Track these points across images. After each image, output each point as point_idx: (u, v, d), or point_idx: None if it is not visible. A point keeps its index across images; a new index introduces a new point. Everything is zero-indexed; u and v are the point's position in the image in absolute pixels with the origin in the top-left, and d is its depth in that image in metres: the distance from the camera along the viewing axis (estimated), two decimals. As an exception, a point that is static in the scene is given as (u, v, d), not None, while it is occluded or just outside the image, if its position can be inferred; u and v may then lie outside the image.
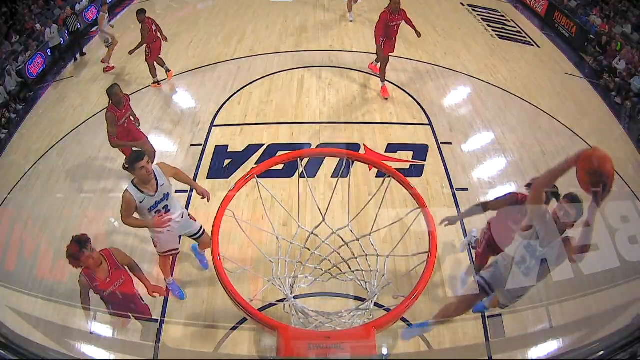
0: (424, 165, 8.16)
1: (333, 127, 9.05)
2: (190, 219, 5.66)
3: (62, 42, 12.91)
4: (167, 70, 10.86)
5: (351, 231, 5.02)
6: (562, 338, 6.08)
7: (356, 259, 4.94)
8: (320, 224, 5.06)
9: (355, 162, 5.72)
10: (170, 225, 5.23)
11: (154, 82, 10.71)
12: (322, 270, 5.07)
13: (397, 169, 5.48)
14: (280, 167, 7.08)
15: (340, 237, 5.02)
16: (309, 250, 4.99)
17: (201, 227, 5.69)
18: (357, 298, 5.66)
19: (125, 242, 7.00)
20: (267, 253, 5.26)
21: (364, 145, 8.47)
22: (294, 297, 4.91)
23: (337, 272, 5.09)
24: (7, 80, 11.32)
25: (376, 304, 5.34)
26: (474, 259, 6.08)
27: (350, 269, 4.97)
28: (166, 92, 10.59)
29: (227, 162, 8.25)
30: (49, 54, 12.80)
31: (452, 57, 11.82)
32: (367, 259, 5.06)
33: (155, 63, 10.50)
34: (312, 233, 5.01)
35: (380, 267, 4.75)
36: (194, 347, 5.79)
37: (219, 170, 8.08)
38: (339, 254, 4.99)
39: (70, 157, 8.77)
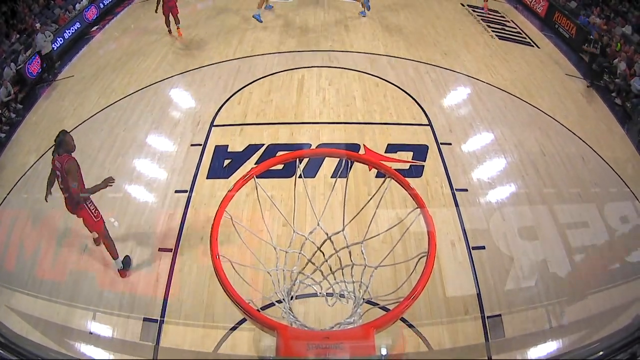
0: (423, 166, 8.16)
1: (333, 127, 9.05)
2: None
3: (53, 49, 12.79)
4: (177, 28, 13.14)
5: (344, 237, 5.01)
6: (561, 338, 6.08)
7: (342, 269, 4.93)
8: (314, 229, 5.06)
9: (355, 162, 5.72)
10: None
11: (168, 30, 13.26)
12: (315, 280, 5.04)
13: (397, 169, 5.47)
14: (280, 167, 7.08)
15: (332, 244, 5.02)
16: (305, 257, 4.98)
17: None
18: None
19: (126, 242, 7.01)
20: (266, 255, 5.27)
21: (364, 145, 8.47)
22: (293, 298, 4.91)
23: (327, 287, 5.06)
24: (5, 78, 11.31)
25: (370, 302, 5.34)
26: None
27: (335, 279, 4.95)
28: (166, 92, 10.58)
29: (227, 162, 8.25)
30: (41, 61, 12.45)
31: (452, 58, 11.82)
32: (351, 269, 5.05)
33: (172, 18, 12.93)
34: (307, 238, 5.01)
35: (365, 279, 4.73)
36: (193, 347, 5.79)
37: (218, 170, 8.09)
38: (329, 264, 4.97)
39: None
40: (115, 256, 6.57)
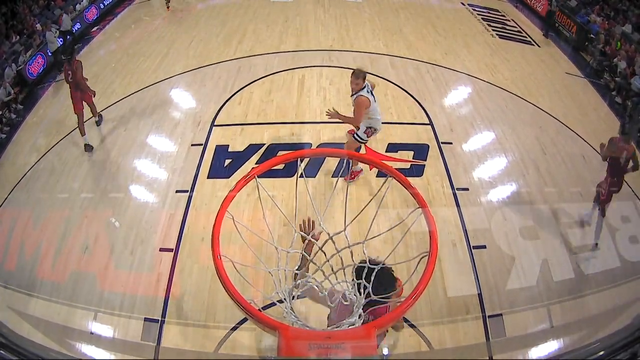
0: (424, 165, 8.15)
1: (334, 126, 9.03)
2: None
3: (60, 47, 12.89)
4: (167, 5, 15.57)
5: (346, 237, 5.01)
6: (562, 338, 6.08)
7: (344, 269, 4.92)
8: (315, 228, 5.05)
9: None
10: None
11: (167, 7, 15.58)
12: (317, 280, 5.04)
13: (397, 169, 5.47)
14: (281, 166, 7.08)
15: (333, 244, 5.02)
16: (307, 256, 4.98)
17: None
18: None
19: (127, 242, 7.01)
20: (267, 254, 5.27)
21: (365, 145, 8.46)
22: (294, 298, 4.91)
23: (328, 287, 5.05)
24: (6, 79, 11.32)
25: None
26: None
27: (337, 279, 4.95)
28: (166, 92, 10.58)
29: (227, 162, 8.25)
30: (50, 55, 12.73)
31: (452, 57, 11.82)
32: (353, 269, 5.04)
33: None
34: (309, 238, 5.00)
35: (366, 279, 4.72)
36: (194, 347, 5.79)
37: (219, 170, 8.09)
38: (330, 264, 4.97)
39: (70, 157, 8.77)
40: (83, 134, 9.01)
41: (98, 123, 9.64)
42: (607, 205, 7.25)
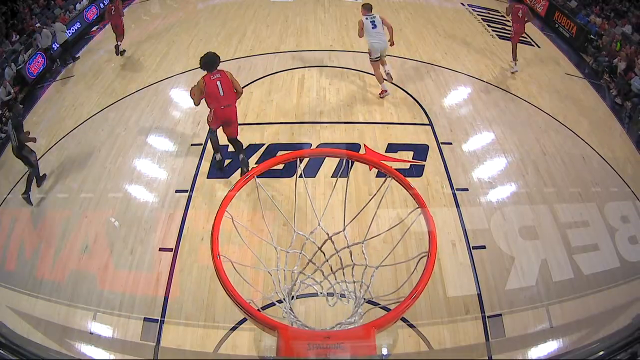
0: (424, 165, 8.15)
1: (333, 127, 9.04)
2: None
3: (53, 48, 12.95)
4: None
5: (345, 237, 5.01)
6: (562, 338, 6.08)
7: (343, 269, 4.92)
8: (315, 228, 5.06)
9: (355, 161, 5.72)
10: None
11: None
12: (316, 280, 5.05)
13: (397, 169, 5.47)
14: (280, 166, 7.08)
15: (333, 244, 5.01)
16: (306, 257, 4.99)
17: None
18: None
19: (126, 242, 7.01)
20: (266, 255, 5.27)
21: (364, 145, 8.46)
22: (294, 298, 4.91)
23: (327, 287, 5.06)
24: (6, 78, 11.32)
25: (371, 302, 5.34)
26: None
27: (336, 279, 4.96)
28: (166, 92, 10.58)
29: (227, 162, 8.24)
30: (43, 57, 12.70)
31: (452, 57, 11.81)
32: (352, 269, 5.04)
33: None
34: (308, 238, 5.00)
35: (366, 279, 4.73)
36: (194, 347, 5.79)
37: (219, 170, 8.08)
38: (329, 264, 4.97)
39: (70, 157, 8.77)
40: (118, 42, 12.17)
41: (119, 51, 12.14)
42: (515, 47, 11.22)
